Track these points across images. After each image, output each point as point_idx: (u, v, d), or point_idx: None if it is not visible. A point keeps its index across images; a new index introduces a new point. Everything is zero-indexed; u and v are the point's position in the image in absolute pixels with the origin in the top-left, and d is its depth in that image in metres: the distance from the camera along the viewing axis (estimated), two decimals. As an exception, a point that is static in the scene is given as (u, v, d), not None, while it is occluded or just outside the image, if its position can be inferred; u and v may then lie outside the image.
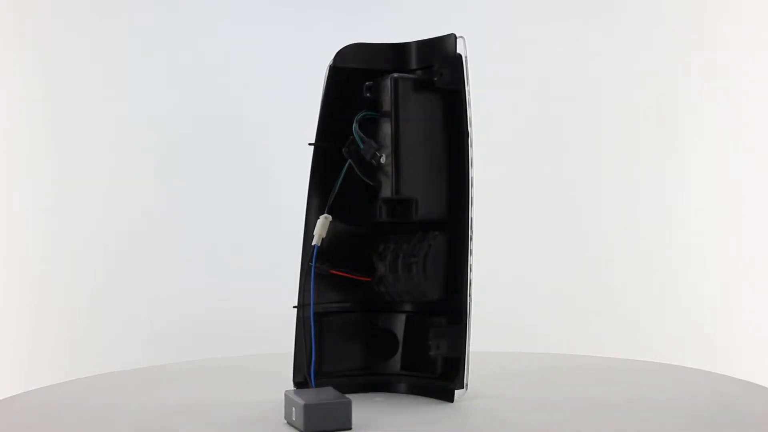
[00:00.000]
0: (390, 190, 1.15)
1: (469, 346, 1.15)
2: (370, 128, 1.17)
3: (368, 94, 1.18)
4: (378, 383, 1.22)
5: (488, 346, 1.76)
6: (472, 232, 1.14)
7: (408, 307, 1.22)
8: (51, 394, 1.26)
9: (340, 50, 1.21)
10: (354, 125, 1.17)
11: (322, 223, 1.17)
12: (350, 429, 1.02)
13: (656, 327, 2.52)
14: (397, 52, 1.20)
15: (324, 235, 1.17)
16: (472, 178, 1.15)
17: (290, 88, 2.57)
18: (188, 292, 2.56)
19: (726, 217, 2.53)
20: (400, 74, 1.17)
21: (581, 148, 2.56)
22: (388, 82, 1.16)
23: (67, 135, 2.60)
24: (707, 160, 2.54)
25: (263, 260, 2.55)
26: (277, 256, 2.53)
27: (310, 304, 1.19)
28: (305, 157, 2.49)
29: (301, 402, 1.02)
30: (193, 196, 2.59)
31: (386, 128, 1.15)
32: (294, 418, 1.03)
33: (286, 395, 1.06)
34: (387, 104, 1.16)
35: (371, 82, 1.18)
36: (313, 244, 1.16)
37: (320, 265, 1.17)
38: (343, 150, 1.18)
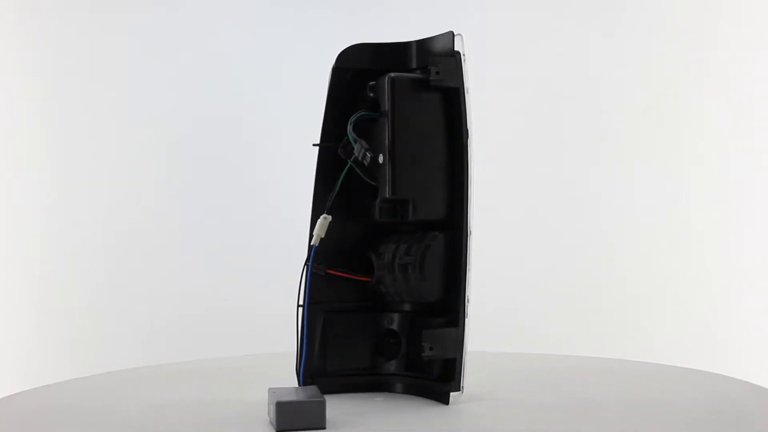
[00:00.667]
0: (386, 190, 1.15)
1: (465, 348, 1.14)
2: (372, 128, 1.17)
3: (371, 94, 1.18)
4: (379, 383, 1.22)
5: (488, 346, 1.76)
6: (470, 232, 1.14)
7: (408, 308, 1.22)
8: (47, 394, 1.26)
9: (343, 51, 1.21)
10: (348, 126, 1.17)
11: (321, 223, 1.17)
12: (324, 428, 1.02)
13: (656, 327, 2.52)
14: (399, 51, 1.20)
15: (323, 236, 1.16)
16: (471, 177, 1.14)
17: (290, 87, 2.57)
18: (188, 292, 2.56)
19: (726, 217, 2.53)
20: (397, 74, 1.16)
21: (581, 147, 2.57)
22: (385, 82, 1.16)
23: (67, 135, 2.60)
24: (707, 160, 2.54)
25: (263, 260, 2.55)
26: (278, 256, 2.53)
27: (314, 304, 1.19)
28: (305, 156, 2.49)
29: (275, 399, 1.02)
30: (193, 196, 2.59)
31: (385, 128, 1.15)
32: (270, 416, 1.04)
33: (268, 392, 1.06)
34: (385, 104, 1.16)
35: (374, 82, 1.18)
36: (311, 244, 1.16)
37: (317, 265, 1.17)
38: (339, 150, 1.19)
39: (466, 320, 1.14)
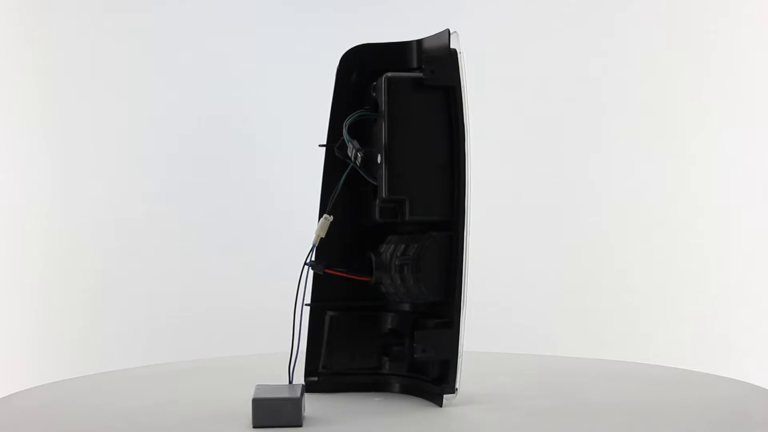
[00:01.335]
0: (383, 190, 1.15)
1: (461, 349, 1.13)
2: (374, 128, 1.17)
3: (374, 94, 1.18)
4: (381, 383, 1.22)
5: (488, 346, 1.76)
6: (468, 232, 1.13)
7: (407, 308, 1.22)
8: (46, 394, 1.26)
9: (347, 51, 1.21)
10: (344, 126, 1.17)
11: (322, 223, 1.17)
12: (299, 425, 1.02)
13: (655, 328, 2.52)
14: (402, 51, 1.20)
15: (323, 236, 1.17)
16: (469, 177, 1.14)
17: (291, 87, 2.57)
18: (188, 292, 2.56)
19: (726, 217, 2.53)
20: (394, 73, 1.16)
21: (581, 147, 2.57)
22: (381, 82, 1.16)
23: (67, 135, 2.60)
24: (708, 160, 2.54)
25: (264, 260, 2.55)
26: (278, 256, 2.53)
27: (322, 302, 1.21)
28: (306, 156, 2.50)
29: (252, 396, 1.03)
30: (193, 195, 2.59)
31: (383, 128, 1.16)
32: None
33: (255, 389, 1.07)
34: (382, 104, 1.16)
35: (376, 83, 1.18)
36: (312, 243, 1.16)
37: (316, 264, 1.17)
38: (335, 150, 1.19)
39: (463, 322, 1.13)
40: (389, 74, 1.16)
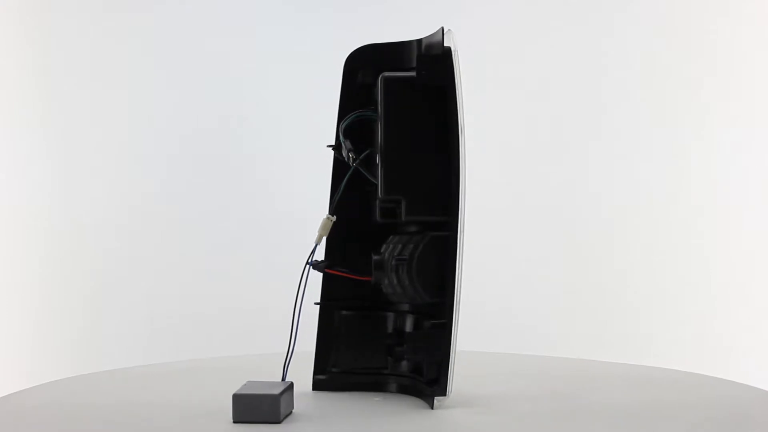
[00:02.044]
0: (379, 190, 1.15)
1: (454, 351, 1.12)
2: (375, 128, 1.17)
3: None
4: (385, 383, 1.22)
5: (488, 346, 1.76)
6: (462, 233, 1.12)
7: (406, 308, 1.22)
8: (43, 393, 1.26)
9: (353, 52, 1.21)
10: (341, 126, 1.17)
11: (325, 223, 1.17)
12: (278, 422, 1.04)
13: (655, 329, 2.52)
14: (405, 50, 1.20)
15: (326, 235, 1.17)
16: (464, 177, 1.12)
17: (291, 87, 2.57)
18: (188, 292, 2.56)
19: (726, 217, 2.53)
20: (390, 73, 1.16)
21: (581, 147, 2.57)
22: (378, 82, 1.16)
23: (67, 135, 2.60)
24: (708, 160, 2.54)
25: (264, 260, 2.55)
26: (279, 256, 2.53)
27: (331, 302, 1.21)
28: (306, 156, 2.50)
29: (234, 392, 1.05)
30: (193, 195, 2.59)
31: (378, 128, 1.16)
32: None
33: (243, 384, 1.09)
34: (379, 104, 1.16)
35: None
36: (314, 243, 1.16)
37: (317, 263, 1.17)
38: (333, 150, 1.19)
39: (456, 323, 1.11)
40: (386, 74, 1.16)
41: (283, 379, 1.13)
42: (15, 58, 2.59)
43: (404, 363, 1.20)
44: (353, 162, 1.16)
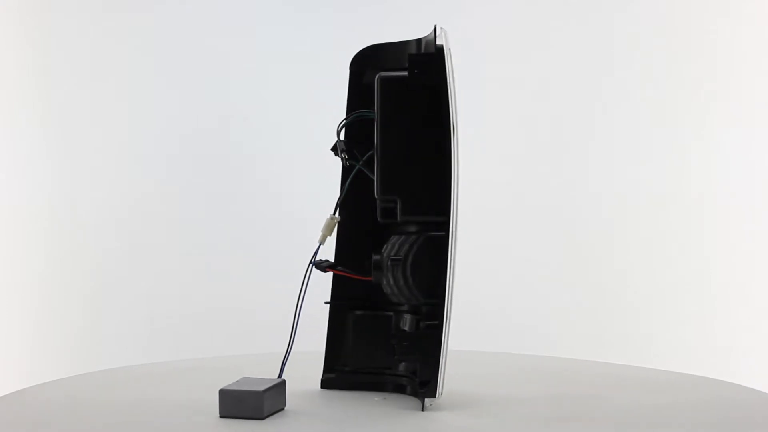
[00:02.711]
0: (375, 190, 1.15)
1: (445, 352, 1.11)
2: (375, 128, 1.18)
3: None
4: (391, 383, 1.22)
5: (487, 346, 1.76)
6: (454, 233, 1.11)
7: (405, 308, 1.22)
8: (43, 393, 1.26)
9: (358, 53, 1.21)
10: (338, 126, 1.17)
11: (329, 223, 1.18)
12: (261, 418, 1.06)
13: (657, 329, 2.52)
14: (409, 50, 1.19)
15: (329, 235, 1.17)
16: (457, 177, 1.11)
17: (290, 87, 2.57)
18: (188, 292, 2.56)
19: (726, 218, 2.53)
20: (386, 73, 1.16)
21: (581, 147, 2.57)
22: (375, 82, 1.16)
23: (67, 134, 2.60)
24: (708, 161, 2.54)
25: (265, 260, 2.55)
26: (278, 256, 2.53)
27: (341, 301, 1.22)
28: (306, 156, 2.49)
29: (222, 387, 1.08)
30: (194, 195, 2.59)
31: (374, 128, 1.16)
32: None
33: (236, 380, 1.11)
34: (376, 104, 1.16)
35: None
36: (318, 242, 1.17)
37: (320, 263, 1.17)
38: (331, 150, 1.19)
39: (447, 324, 1.10)
40: (383, 74, 1.16)
41: (280, 376, 1.13)
42: (15, 58, 2.59)
43: (403, 363, 1.21)
44: (347, 162, 1.16)
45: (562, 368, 1.45)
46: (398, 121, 1.15)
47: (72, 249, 2.58)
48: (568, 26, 2.57)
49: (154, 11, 2.60)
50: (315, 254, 1.17)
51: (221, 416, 1.07)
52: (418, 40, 1.18)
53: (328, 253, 1.20)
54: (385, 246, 1.19)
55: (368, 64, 1.20)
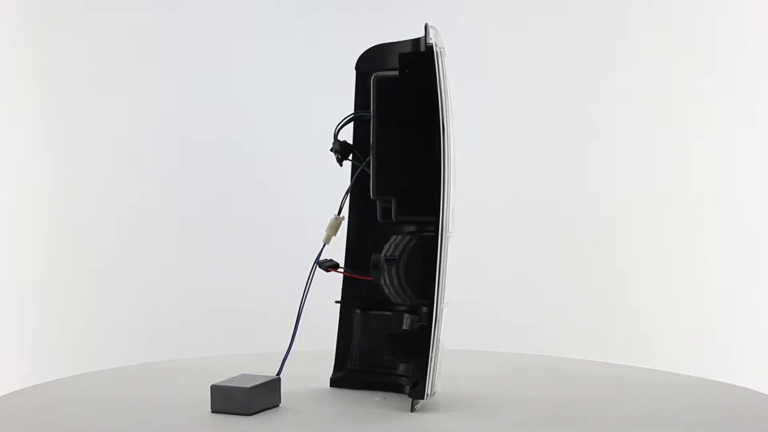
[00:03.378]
0: (371, 191, 1.15)
1: (435, 354, 1.10)
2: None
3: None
4: (397, 383, 1.22)
5: (487, 346, 1.76)
6: (445, 233, 1.10)
7: (402, 308, 1.22)
8: (43, 393, 1.26)
9: (363, 53, 1.21)
10: (337, 126, 1.17)
11: (333, 223, 1.18)
12: (248, 414, 1.08)
13: (657, 329, 2.52)
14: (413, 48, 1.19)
15: (334, 235, 1.17)
16: (448, 176, 1.11)
17: (290, 87, 2.57)
18: (188, 292, 2.56)
19: (726, 217, 2.53)
20: (382, 73, 1.16)
21: (581, 147, 2.56)
22: (370, 82, 1.16)
23: (67, 134, 2.60)
24: (708, 161, 2.54)
25: (264, 260, 2.55)
26: (278, 256, 2.53)
27: (351, 300, 1.23)
28: (306, 156, 2.49)
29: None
30: (194, 195, 2.59)
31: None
32: None
33: (232, 377, 1.14)
34: (372, 104, 1.16)
35: None
36: (323, 242, 1.17)
37: (323, 262, 1.17)
38: (330, 150, 1.19)
39: (437, 325, 1.09)
40: (378, 73, 1.16)
41: (278, 374, 1.14)
42: (15, 58, 2.59)
43: (402, 363, 1.21)
44: (340, 163, 1.17)
45: (562, 368, 1.45)
46: (394, 121, 1.15)
47: (72, 249, 2.58)
48: (568, 26, 2.57)
49: (154, 11, 2.60)
50: (319, 254, 1.17)
51: (213, 411, 1.09)
52: (416, 40, 1.18)
53: (335, 252, 1.20)
54: (386, 246, 1.19)
55: (374, 64, 1.20)
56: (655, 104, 2.54)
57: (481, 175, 2.47)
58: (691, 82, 2.54)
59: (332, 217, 1.19)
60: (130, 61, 2.60)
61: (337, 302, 1.24)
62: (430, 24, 1.13)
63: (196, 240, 2.58)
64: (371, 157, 1.15)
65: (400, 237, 1.16)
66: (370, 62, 1.20)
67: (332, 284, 1.25)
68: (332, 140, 1.19)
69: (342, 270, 1.19)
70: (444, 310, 1.11)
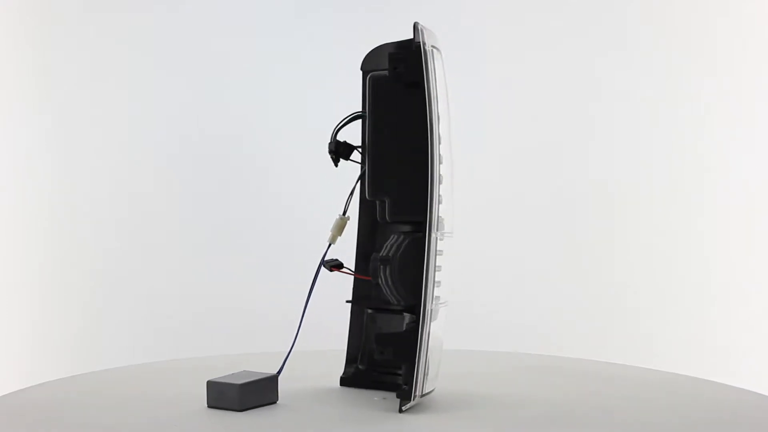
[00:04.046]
0: (365, 191, 1.16)
1: (422, 355, 1.09)
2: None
3: None
4: (396, 382, 1.22)
5: (487, 346, 1.76)
6: (432, 232, 1.09)
7: (400, 308, 1.22)
8: (43, 393, 1.26)
9: (368, 54, 1.20)
10: (336, 126, 1.17)
11: (338, 223, 1.18)
12: (238, 410, 1.10)
13: (657, 328, 2.52)
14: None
15: (340, 235, 1.17)
16: (440, 175, 1.10)
17: (291, 87, 2.57)
18: (188, 292, 2.56)
19: (726, 218, 2.53)
20: (376, 72, 1.16)
21: (580, 147, 2.56)
22: (366, 82, 1.16)
23: (67, 135, 2.60)
24: (708, 160, 2.54)
25: (264, 260, 2.55)
26: (279, 256, 2.53)
27: (363, 299, 1.23)
28: (306, 156, 2.49)
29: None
30: (194, 195, 2.59)
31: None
32: None
33: (234, 373, 1.16)
34: (367, 104, 1.16)
35: None
36: (328, 242, 1.17)
37: (327, 262, 1.17)
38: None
39: (426, 327, 1.09)
40: (373, 73, 1.16)
41: (279, 371, 1.15)
42: (15, 58, 2.59)
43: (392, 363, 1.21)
44: (336, 164, 1.17)
45: (562, 368, 1.45)
46: (388, 121, 1.15)
47: (72, 249, 2.58)
48: (568, 26, 2.57)
49: (154, 11, 2.60)
50: (325, 254, 1.17)
51: (209, 406, 1.11)
52: (411, 40, 1.18)
53: (337, 252, 1.20)
54: (384, 246, 1.19)
55: (379, 64, 1.19)
56: (655, 104, 2.54)
57: (481, 175, 2.47)
58: (691, 82, 2.54)
59: (337, 216, 1.18)
60: (130, 61, 2.60)
61: (348, 302, 1.24)
62: (420, 24, 1.13)
63: (196, 240, 2.58)
64: (366, 157, 1.15)
65: (395, 237, 1.16)
66: (375, 62, 1.20)
67: (334, 284, 1.25)
68: (332, 141, 1.18)
69: (346, 270, 1.19)
70: (434, 311, 1.11)
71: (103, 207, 2.57)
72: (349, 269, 1.20)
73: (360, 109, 1.20)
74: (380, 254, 1.14)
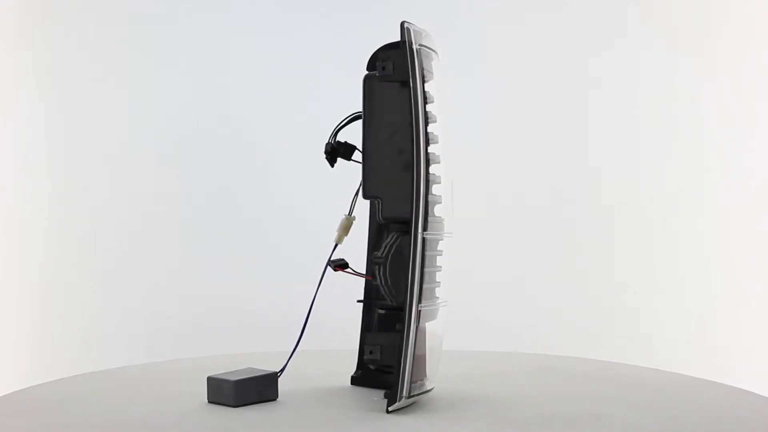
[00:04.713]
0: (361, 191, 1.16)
1: (409, 356, 1.08)
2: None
3: None
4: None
5: (487, 346, 1.76)
6: (421, 232, 1.09)
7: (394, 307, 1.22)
8: (43, 392, 1.26)
9: (374, 54, 1.20)
10: (336, 126, 1.17)
11: (344, 223, 1.18)
12: (231, 406, 1.12)
13: (656, 328, 2.52)
14: None
15: (346, 235, 1.18)
16: (429, 175, 1.10)
17: (291, 87, 2.57)
18: (188, 292, 2.56)
19: (726, 218, 2.53)
20: (372, 72, 1.16)
21: (581, 147, 2.56)
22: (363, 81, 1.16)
23: (67, 135, 2.60)
24: (708, 161, 2.54)
25: (264, 260, 2.55)
26: (279, 256, 2.53)
27: (374, 300, 1.24)
28: (306, 156, 2.49)
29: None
30: (194, 195, 2.59)
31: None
32: None
33: (237, 370, 1.18)
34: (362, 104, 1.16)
35: None
36: (334, 242, 1.17)
37: (332, 262, 1.17)
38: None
39: (413, 327, 1.08)
40: (368, 73, 1.16)
41: (282, 370, 1.16)
42: (15, 58, 2.59)
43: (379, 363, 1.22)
44: (332, 165, 1.18)
45: (562, 368, 1.45)
46: (383, 121, 1.15)
47: (72, 249, 2.58)
48: (568, 26, 2.57)
49: (154, 11, 2.60)
50: (332, 253, 1.17)
51: (209, 402, 1.13)
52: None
53: (342, 252, 1.20)
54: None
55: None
56: (655, 104, 2.54)
57: (481, 175, 2.47)
58: (691, 82, 2.54)
59: (343, 216, 1.19)
60: (130, 61, 2.60)
61: (359, 301, 1.25)
62: (407, 22, 1.13)
63: (196, 240, 2.58)
64: (362, 156, 1.15)
65: (391, 236, 1.16)
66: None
67: (339, 284, 1.24)
68: (328, 142, 1.19)
69: (350, 270, 1.19)
70: (425, 311, 1.10)
71: (103, 207, 2.57)
72: (353, 269, 1.20)
73: (360, 110, 1.20)
74: (376, 254, 1.15)
